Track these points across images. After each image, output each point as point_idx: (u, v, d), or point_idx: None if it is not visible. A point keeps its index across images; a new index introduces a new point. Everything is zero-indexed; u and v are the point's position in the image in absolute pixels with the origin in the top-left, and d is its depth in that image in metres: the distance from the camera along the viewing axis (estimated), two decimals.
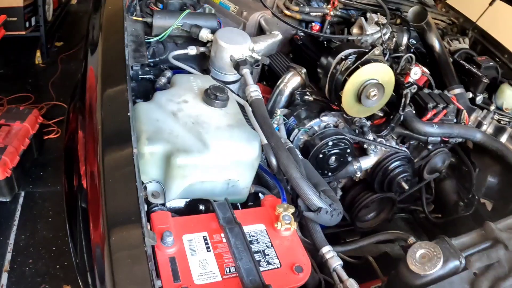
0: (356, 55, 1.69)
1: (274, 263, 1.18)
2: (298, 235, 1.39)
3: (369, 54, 1.64)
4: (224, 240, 1.19)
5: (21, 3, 3.65)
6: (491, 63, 2.46)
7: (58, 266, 2.42)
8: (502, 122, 2.27)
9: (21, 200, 2.75)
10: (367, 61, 1.64)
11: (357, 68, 1.63)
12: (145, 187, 1.31)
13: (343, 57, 1.70)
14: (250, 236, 1.22)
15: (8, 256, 2.45)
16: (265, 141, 1.38)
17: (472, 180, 2.23)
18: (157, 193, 1.32)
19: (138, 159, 1.24)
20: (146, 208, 1.22)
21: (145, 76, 1.72)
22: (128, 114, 1.26)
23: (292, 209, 1.27)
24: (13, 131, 2.75)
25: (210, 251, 1.16)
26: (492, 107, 2.27)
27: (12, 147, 2.64)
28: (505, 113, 2.31)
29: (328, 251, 1.30)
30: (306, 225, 1.38)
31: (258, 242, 1.22)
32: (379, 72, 1.67)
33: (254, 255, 1.17)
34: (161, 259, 1.10)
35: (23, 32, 3.76)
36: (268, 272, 1.15)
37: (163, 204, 1.31)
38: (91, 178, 1.22)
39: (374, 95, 1.66)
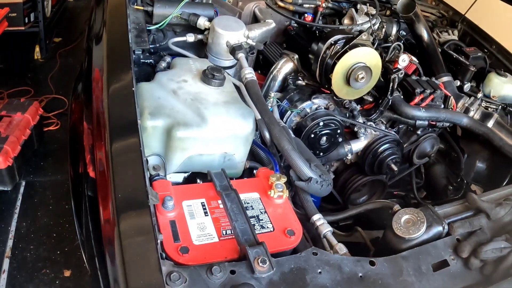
0: (344, 40, 1.83)
1: (267, 227, 1.29)
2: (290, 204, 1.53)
3: (357, 39, 1.77)
4: (221, 206, 1.30)
5: None
6: (479, 54, 2.59)
7: (58, 252, 2.54)
8: (489, 109, 2.41)
9: (22, 189, 2.88)
10: (355, 46, 1.78)
11: (345, 52, 1.76)
12: (147, 161, 1.43)
13: (333, 42, 1.84)
14: (245, 203, 1.33)
15: (10, 242, 2.57)
16: (259, 117, 1.50)
17: (460, 165, 2.37)
18: (158, 166, 1.44)
19: (142, 133, 1.37)
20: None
21: (146, 61, 1.85)
22: (133, 88, 1.39)
23: (284, 179, 1.38)
24: (14, 122, 2.87)
25: (208, 215, 1.27)
26: (479, 95, 2.40)
27: (14, 137, 2.76)
28: (492, 101, 2.45)
29: (318, 219, 1.42)
30: (298, 195, 1.51)
31: (253, 209, 1.33)
32: (366, 56, 1.80)
33: (249, 218, 1.28)
34: (162, 222, 1.20)
35: (22, 28, 3.90)
36: (262, 235, 1.25)
37: (164, 176, 1.43)
38: (99, 144, 1.35)
39: (362, 77, 1.79)
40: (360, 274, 1.19)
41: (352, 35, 1.82)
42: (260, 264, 1.10)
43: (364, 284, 1.18)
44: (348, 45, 1.77)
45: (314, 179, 1.44)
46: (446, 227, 1.38)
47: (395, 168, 2.06)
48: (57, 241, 2.59)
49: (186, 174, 1.56)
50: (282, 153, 1.45)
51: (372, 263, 1.22)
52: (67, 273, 2.43)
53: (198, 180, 1.53)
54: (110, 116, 1.34)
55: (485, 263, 1.30)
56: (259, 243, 1.17)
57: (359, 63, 1.79)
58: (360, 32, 1.80)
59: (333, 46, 1.82)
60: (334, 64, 1.78)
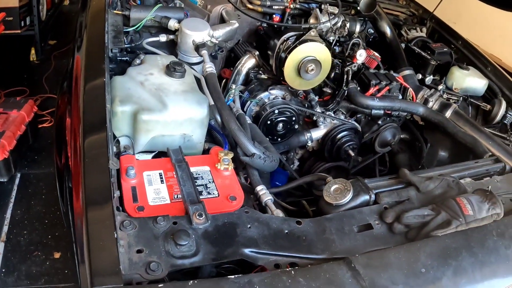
0: (295, 36, 2.21)
1: (213, 193, 1.64)
2: (243, 181, 1.90)
3: (306, 35, 2.15)
4: (175, 176, 1.69)
5: (17, 3, 4.23)
6: (445, 49, 2.93)
7: (49, 236, 2.95)
8: (451, 100, 2.74)
9: (17, 180, 3.32)
10: (304, 41, 2.16)
11: (295, 46, 2.14)
12: (118, 141, 1.82)
13: (285, 39, 2.23)
14: (196, 174, 1.69)
15: (5, 228, 3.00)
16: (213, 103, 1.89)
17: (422, 153, 2.70)
18: (128, 146, 1.81)
19: (113, 117, 1.75)
20: (115, 150, 1.73)
21: (122, 58, 2.24)
22: (104, 79, 1.79)
23: (231, 154, 1.74)
24: (11, 118, 3.31)
25: (163, 183, 1.63)
26: (440, 87, 2.74)
27: (10, 132, 3.19)
28: (454, 93, 2.78)
29: (261, 189, 1.76)
30: (246, 170, 1.88)
31: (203, 179, 1.70)
32: (315, 50, 2.17)
33: (198, 187, 1.62)
34: (125, 188, 1.57)
35: (19, 31, 4.35)
36: (207, 199, 1.59)
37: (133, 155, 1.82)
38: (74, 132, 1.74)
39: (312, 69, 2.17)
40: (286, 231, 1.48)
41: (302, 32, 2.20)
42: (197, 217, 1.44)
43: (289, 239, 1.46)
44: (298, 41, 2.15)
45: (257, 154, 1.81)
46: (373, 196, 1.67)
47: (352, 154, 2.41)
48: (48, 227, 3.01)
49: (153, 154, 1.94)
50: (230, 132, 1.82)
51: (298, 223, 1.52)
52: (57, 255, 2.84)
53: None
54: (84, 102, 1.73)
55: (410, 228, 1.53)
56: (200, 201, 1.52)
57: (308, 56, 2.16)
58: (309, 28, 2.18)
59: (285, 42, 2.21)
60: (286, 57, 2.16)
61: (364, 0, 2.71)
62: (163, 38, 2.32)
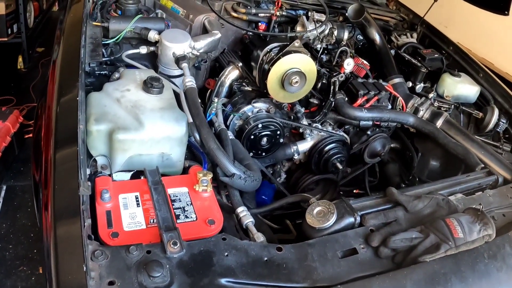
0: (279, 47, 2.12)
1: (191, 217, 1.56)
2: (224, 201, 1.82)
3: (289, 46, 2.06)
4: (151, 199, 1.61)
5: (3, 11, 4.14)
6: (436, 55, 2.85)
7: (35, 251, 2.86)
8: (442, 108, 2.66)
9: (3, 193, 3.23)
10: (288, 52, 2.06)
11: (278, 58, 2.05)
12: (95, 160, 1.73)
13: (269, 50, 2.14)
14: (173, 196, 1.61)
15: None
16: (191, 120, 1.80)
17: (413, 163, 2.62)
18: (105, 166, 1.74)
19: (88, 136, 1.66)
20: (89, 172, 1.64)
21: (101, 72, 2.15)
22: (77, 98, 1.70)
23: (210, 175, 1.66)
24: None
25: (139, 206, 1.55)
26: (431, 95, 2.66)
27: None
28: (445, 100, 2.71)
29: (242, 211, 1.69)
30: (228, 190, 1.79)
31: (180, 201, 1.61)
32: (300, 62, 2.08)
33: (175, 210, 1.55)
34: (99, 212, 1.49)
35: (5, 39, 4.25)
36: (185, 223, 1.52)
37: (110, 175, 1.74)
38: (46, 149, 1.66)
39: (296, 82, 2.08)
40: (266, 258, 1.41)
41: (286, 43, 2.11)
42: (172, 246, 1.36)
43: (268, 267, 1.38)
44: (281, 52, 2.06)
45: (237, 175, 1.73)
46: (358, 218, 1.58)
47: (340, 167, 2.33)
48: (34, 241, 2.92)
49: (131, 173, 1.85)
50: (209, 152, 1.74)
51: (279, 249, 1.44)
52: (42, 270, 2.76)
53: (142, 177, 1.82)
54: (56, 122, 1.64)
55: (397, 253, 1.46)
56: (175, 228, 1.44)
57: (293, 68, 2.07)
58: (292, 39, 2.08)
59: (268, 53, 2.12)
60: (269, 70, 2.07)
61: (352, 7, 2.63)
62: (143, 50, 2.23)
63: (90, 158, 1.71)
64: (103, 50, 2.18)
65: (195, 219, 1.56)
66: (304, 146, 2.33)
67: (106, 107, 1.77)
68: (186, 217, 1.56)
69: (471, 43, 2.94)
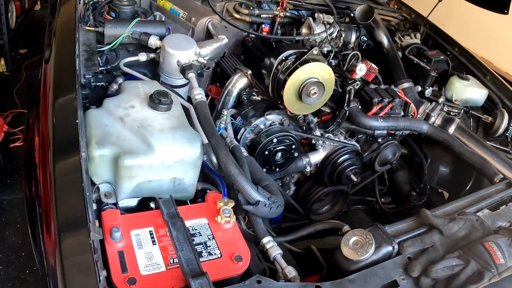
0: (296, 55, 1.85)
1: (215, 253, 1.31)
2: (244, 228, 1.56)
3: (307, 54, 1.80)
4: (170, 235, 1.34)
5: None
6: (442, 57, 2.64)
7: (27, 271, 2.54)
8: (452, 113, 2.45)
9: None
10: (306, 61, 1.80)
11: (296, 68, 1.79)
12: (98, 188, 1.45)
13: (284, 58, 1.86)
14: (193, 230, 1.36)
15: None
16: (206, 141, 1.52)
17: (423, 170, 2.41)
18: (109, 193, 1.45)
19: (89, 162, 1.39)
20: (95, 207, 1.36)
21: (97, 84, 1.85)
22: (77, 121, 1.40)
23: (232, 203, 1.41)
24: None
25: (155, 244, 1.29)
26: (441, 99, 2.44)
27: None
28: (454, 105, 2.49)
29: (268, 241, 1.44)
30: (248, 218, 1.53)
31: (201, 235, 1.36)
32: (318, 71, 1.83)
33: (196, 247, 1.30)
34: (110, 253, 1.23)
35: None
36: (209, 262, 1.28)
37: (115, 204, 1.45)
38: (44, 182, 1.36)
39: (314, 93, 1.82)
40: None
41: (303, 50, 1.84)
42: None
43: None
44: (298, 61, 1.80)
45: (262, 202, 1.47)
46: (396, 246, 1.39)
47: (355, 179, 2.09)
48: (25, 260, 2.59)
49: (138, 199, 1.58)
50: (229, 178, 1.47)
51: None
52: None
53: (151, 204, 1.55)
54: (54, 154, 1.35)
55: (437, 281, 1.31)
56: (203, 274, 1.19)
57: (311, 78, 1.82)
58: (311, 47, 1.82)
59: (284, 62, 1.85)
60: (285, 80, 1.81)
61: (360, 8, 2.38)
62: (142, 57, 1.95)
63: (92, 185, 1.41)
64: (98, 59, 1.87)
65: (219, 256, 1.32)
66: (316, 157, 2.09)
67: (108, 127, 1.49)
68: (210, 254, 1.32)
69: (469, 42, 2.73)
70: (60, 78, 1.61)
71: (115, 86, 1.81)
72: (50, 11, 2.22)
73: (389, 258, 1.37)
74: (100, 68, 1.83)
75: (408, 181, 2.50)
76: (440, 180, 2.46)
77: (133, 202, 1.58)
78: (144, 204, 1.57)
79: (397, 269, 1.34)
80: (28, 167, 1.90)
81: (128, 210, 1.53)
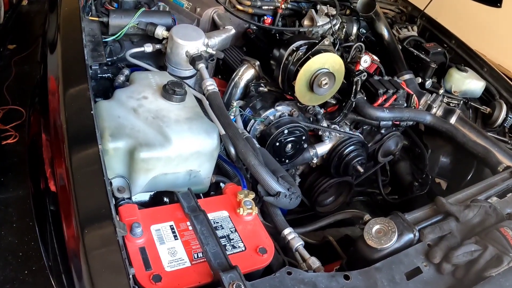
0: (306, 46, 1.79)
1: (239, 246, 1.26)
2: (261, 220, 1.50)
3: (319, 44, 1.74)
4: (190, 228, 1.26)
5: None
6: (439, 49, 2.61)
7: (26, 272, 2.42)
8: (451, 104, 2.43)
9: None
10: (317, 51, 1.74)
11: (308, 58, 1.73)
12: (111, 183, 1.37)
13: (295, 49, 1.80)
14: (214, 223, 1.30)
15: None
16: (223, 132, 1.46)
17: (425, 161, 2.38)
18: (122, 188, 1.38)
19: (103, 155, 1.31)
20: (114, 202, 1.29)
21: (103, 75, 1.77)
22: (92, 112, 1.32)
23: (252, 195, 1.35)
24: None
25: (177, 239, 1.23)
26: (441, 91, 2.42)
27: None
28: (454, 96, 2.47)
29: (289, 233, 1.40)
30: (267, 210, 1.47)
31: (223, 228, 1.30)
32: (329, 62, 1.77)
33: (220, 240, 1.24)
34: (131, 250, 1.16)
35: None
36: (234, 255, 1.23)
37: (129, 198, 1.37)
38: (60, 178, 1.27)
39: (326, 83, 1.77)
40: None
41: (314, 41, 1.79)
42: None
43: None
44: (310, 51, 1.74)
45: (283, 193, 1.42)
46: (417, 234, 1.37)
47: (361, 170, 2.05)
48: (23, 260, 2.47)
49: (152, 193, 1.50)
50: (249, 168, 1.42)
51: (346, 277, 1.21)
52: None
53: (165, 199, 1.48)
54: (70, 147, 1.26)
55: (457, 267, 1.31)
56: (232, 267, 1.13)
57: (322, 69, 1.76)
58: (323, 37, 1.76)
59: (295, 53, 1.78)
60: (297, 71, 1.75)
61: (362, 0, 2.33)
62: (148, 48, 1.87)
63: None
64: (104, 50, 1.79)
65: (243, 248, 1.27)
66: (322, 149, 2.04)
67: (121, 119, 1.42)
68: (234, 247, 1.26)
69: (462, 34, 2.70)
70: (70, 69, 1.52)
71: (121, 78, 1.74)
72: (49, 7, 2.11)
73: (410, 245, 1.35)
74: (106, 60, 1.75)
75: (410, 172, 2.47)
76: (441, 170, 2.45)
77: (146, 197, 1.51)
78: (157, 199, 1.50)
79: (419, 256, 1.33)
80: (32, 164, 1.80)
81: (142, 205, 1.45)
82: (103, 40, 1.85)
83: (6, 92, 3.56)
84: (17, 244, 2.54)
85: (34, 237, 2.54)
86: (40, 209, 1.61)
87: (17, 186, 2.86)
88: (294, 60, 1.77)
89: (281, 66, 1.82)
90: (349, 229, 1.91)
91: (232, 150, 1.45)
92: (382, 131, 2.20)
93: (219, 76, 2.28)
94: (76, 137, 1.28)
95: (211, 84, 1.61)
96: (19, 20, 4.53)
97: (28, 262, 2.46)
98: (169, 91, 1.48)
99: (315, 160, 2.05)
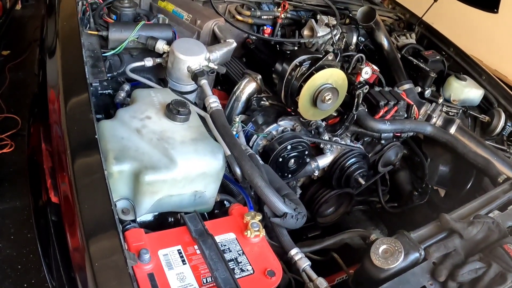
0: (310, 61, 1.78)
1: (247, 269, 1.25)
2: (266, 239, 1.49)
3: (322, 60, 1.73)
4: (198, 251, 1.25)
5: None
6: (438, 57, 2.62)
7: (25, 285, 2.40)
8: (450, 113, 2.43)
9: None
10: (321, 67, 1.74)
11: (311, 74, 1.72)
12: (115, 205, 1.35)
13: (298, 64, 1.79)
14: (222, 246, 1.29)
15: None
16: (229, 152, 1.44)
17: (424, 170, 2.38)
18: (127, 210, 1.36)
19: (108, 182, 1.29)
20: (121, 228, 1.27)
21: (104, 92, 1.75)
22: (96, 136, 1.30)
23: (259, 217, 1.34)
24: None
25: (186, 263, 1.21)
26: (440, 100, 2.42)
27: None
28: (453, 105, 2.48)
29: (296, 253, 1.39)
30: (273, 229, 1.46)
31: (230, 251, 1.29)
32: (332, 77, 1.76)
33: (228, 264, 1.23)
34: (140, 276, 1.14)
35: None
36: (242, 279, 1.22)
37: (134, 221, 1.36)
38: (66, 206, 1.25)
39: (329, 99, 1.76)
40: None
41: (317, 56, 1.77)
42: None
43: None
44: (314, 67, 1.73)
45: (290, 214, 1.41)
46: (423, 253, 1.38)
47: (363, 182, 2.05)
48: (22, 273, 2.44)
49: (156, 213, 1.49)
50: (256, 190, 1.40)
51: None
52: None
53: (170, 219, 1.47)
54: (74, 174, 1.24)
55: (462, 285, 1.31)
56: None
57: (326, 84, 1.75)
58: (326, 52, 1.75)
59: (298, 68, 1.77)
60: (301, 86, 1.74)
61: (361, 10, 2.33)
62: (149, 62, 1.84)
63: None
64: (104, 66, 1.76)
65: (252, 272, 1.26)
66: (324, 161, 2.04)
67: (124, 140, 1.39)
68: (242, 270, 1.25)
69: (458, 40, 2.70)
70: (71, 88, 1.49)
71: (122, 94, 1.72)
72: (46, 12, 2.08)
73: (416, 264, 1.36)
74: (107, 76, 1.73)
75: (410, 181, 2.47)
76: (440, 179, 2.44)
77: (150, 217, 1.49)
78: (161, 219, 1.48)
79: (425, 275, 1.33)
80: (32, 175, 1.77)
81: (145, 225, 1.43)
82: (103, 55, 1.82)
83: (0, 100, 3.51)
84: (16, 257, 2.51)
85: (32, 249, 2.52)
86: (40, 221, 1.59)
87: (14, 196, 2.82)
88: (298, 76, 1.76)
89: (284, 81, 1.81)
90: (348, 238, 1.91)
91: (238, 171, 1.44)
92: (382, 141, 2.20)
93: (218, 87, 2.26)
94: (81, 164, 1.27)
95: (214, 102, 1.59)
96: (12, 25, 4.47)
97: (27, 275, 2.43)
98: (173, 111, 1.46)
99: (316, 173, 2.04)
